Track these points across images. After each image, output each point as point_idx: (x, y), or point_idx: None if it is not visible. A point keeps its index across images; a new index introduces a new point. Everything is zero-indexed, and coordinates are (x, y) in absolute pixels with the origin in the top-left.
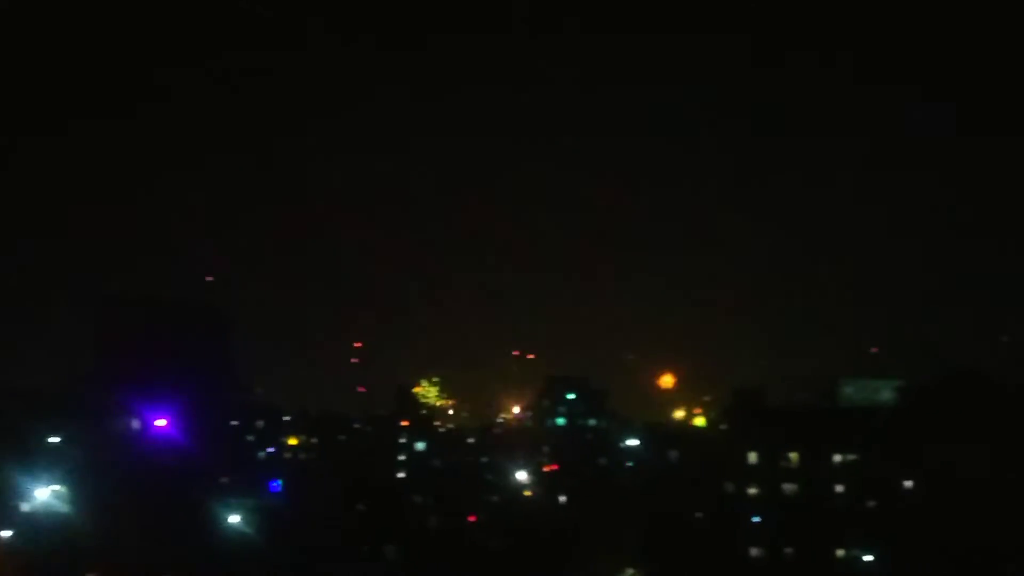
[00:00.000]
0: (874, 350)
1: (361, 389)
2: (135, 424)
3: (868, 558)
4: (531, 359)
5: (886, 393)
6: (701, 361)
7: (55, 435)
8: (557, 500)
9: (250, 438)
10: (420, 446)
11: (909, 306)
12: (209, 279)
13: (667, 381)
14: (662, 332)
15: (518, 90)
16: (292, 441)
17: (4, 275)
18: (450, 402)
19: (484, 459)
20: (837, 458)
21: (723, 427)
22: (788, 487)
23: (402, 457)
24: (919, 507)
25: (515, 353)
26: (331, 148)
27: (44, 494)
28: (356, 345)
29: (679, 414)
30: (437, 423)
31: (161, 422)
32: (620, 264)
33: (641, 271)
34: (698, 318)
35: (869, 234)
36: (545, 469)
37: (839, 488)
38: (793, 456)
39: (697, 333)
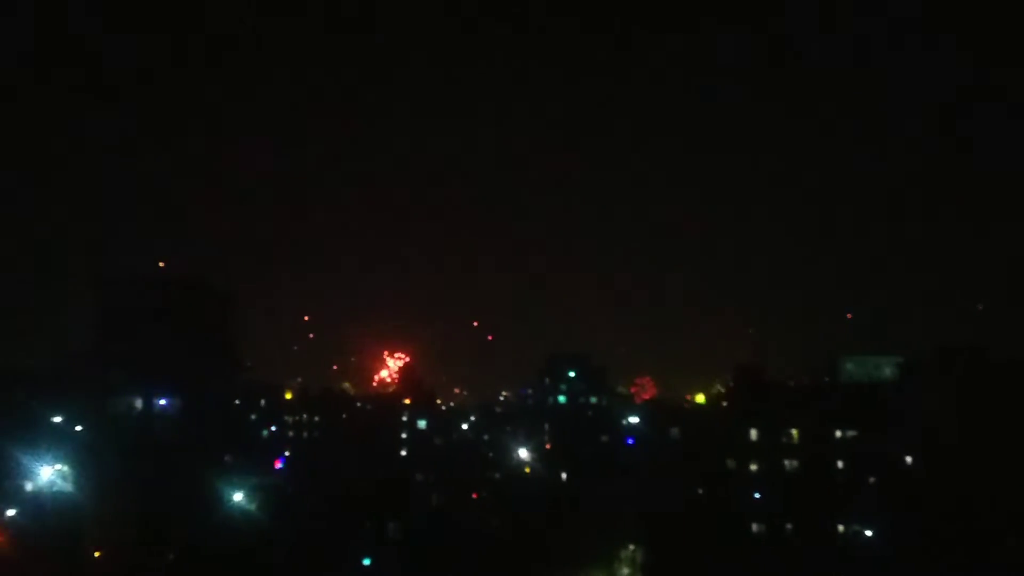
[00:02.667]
0: (848, 316)
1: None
2: (138, 403)
3: (869, 533)
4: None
5: (887, 369)
6: (700, 340)
7: (58, 414)
8: (559, 477)
9: (253, 417)
10: (422, 424)
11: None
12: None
13: None
14: (661, 313)
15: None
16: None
17: (5, 257)
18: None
19: (486, 437)
20: (837, 434)
21: (724, 404)
22: (789, 463)
23: (404, 435)
24: (919, 482)
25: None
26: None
27: (48, 473)
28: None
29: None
30: (439, 401)
31: (164, 401)
32: (610, 248)
33: (632, 254)
34: (696, 298)
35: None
36: (547, 447)
37: (840, 464)
38: (794, 432)
39: (696, 313)
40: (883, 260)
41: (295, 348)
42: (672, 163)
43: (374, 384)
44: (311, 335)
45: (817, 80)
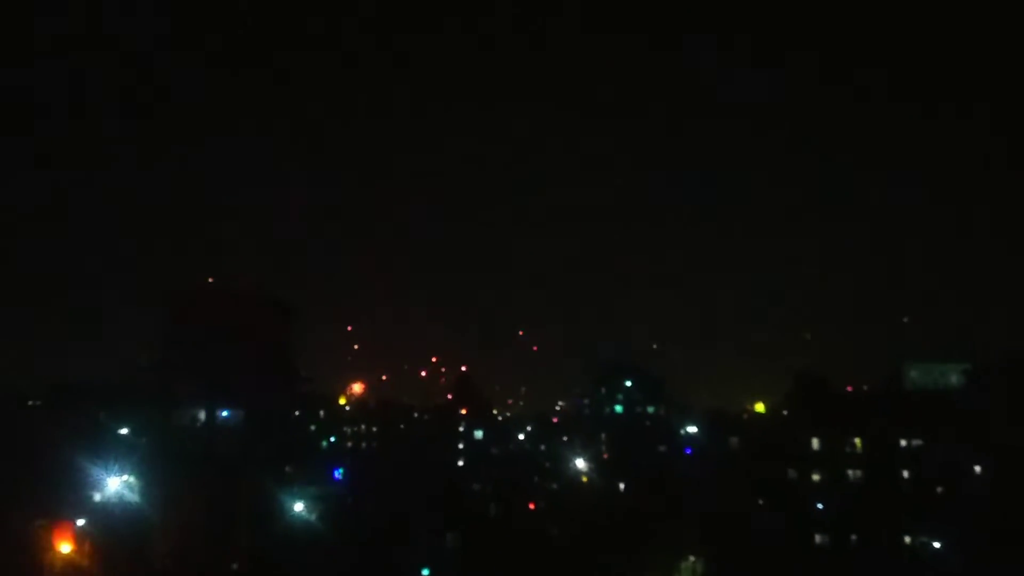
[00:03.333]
0: (905, 320)
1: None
2: (201, 415)
3: (937, 545)
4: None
5: (953, 376)
6: (756, 345)
7: (125, 426)
8: (616, 488)
9: (312, 427)
10: (478, 434)
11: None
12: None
13: None
14: (717, 318)
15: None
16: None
17: (73, 270)
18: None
19: (542, 447)
20: (903, 443)
21: (785, 413)
22: (852, 473)
23: (461, 445)
24: (989, 493)
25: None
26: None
27: (115, 484)
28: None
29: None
30: (495, 411)
31: (226, 412)
32: (664, 256)
33: (685, 259)
34: (754, 304)
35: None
36: (604, 456)
37: (905, 474)
38: (857, 441)
39: (751, 318)
40: (946, 264)
41: (348, 358)
42: (724, 165)
43: (430, 395)
44: (356, 346)
45: (881, 82)
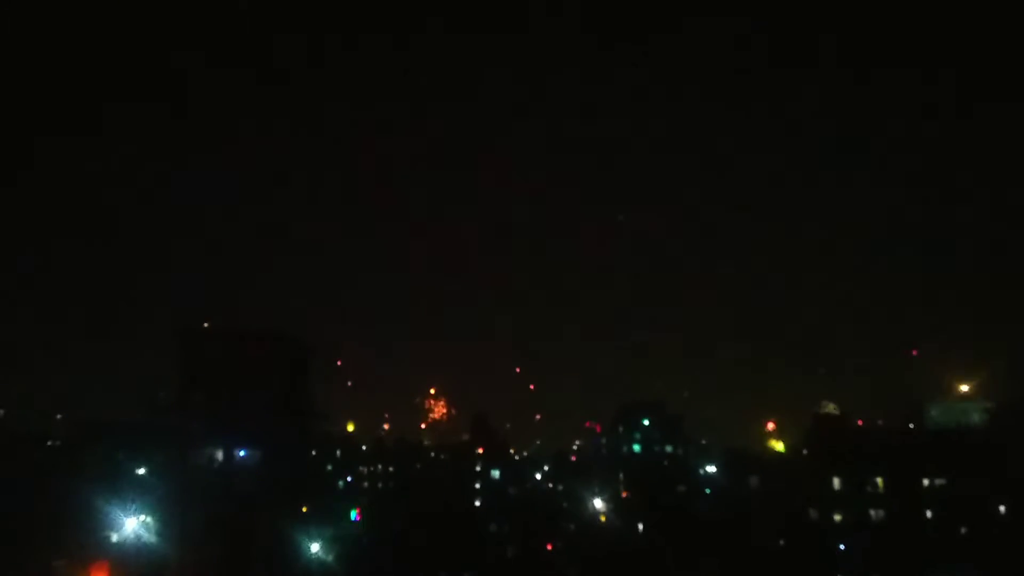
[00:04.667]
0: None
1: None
2: (218, 455)
3: None
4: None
5: (975, 415)
6: (773, 387)
7: (142, 466)
8: (635, 528)
9: (329, 467)
10: (495, 474)
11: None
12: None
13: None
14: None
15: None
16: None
17: (90, 310)
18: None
19: (560, 486)
20: (925, 482)
21: (805, 452)
22: (875, 513)
23: (477, 485)
24: (1014, 531)
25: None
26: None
27: (133, 524)
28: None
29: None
30: (511, 450)
31: (243, 452)
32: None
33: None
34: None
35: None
36: (623, 495)
37: (928, 513)
38: (879, 481)
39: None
40: (966, 300)
41: (355, 393)
42: (740, 200)
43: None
44: (349, 383)
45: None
